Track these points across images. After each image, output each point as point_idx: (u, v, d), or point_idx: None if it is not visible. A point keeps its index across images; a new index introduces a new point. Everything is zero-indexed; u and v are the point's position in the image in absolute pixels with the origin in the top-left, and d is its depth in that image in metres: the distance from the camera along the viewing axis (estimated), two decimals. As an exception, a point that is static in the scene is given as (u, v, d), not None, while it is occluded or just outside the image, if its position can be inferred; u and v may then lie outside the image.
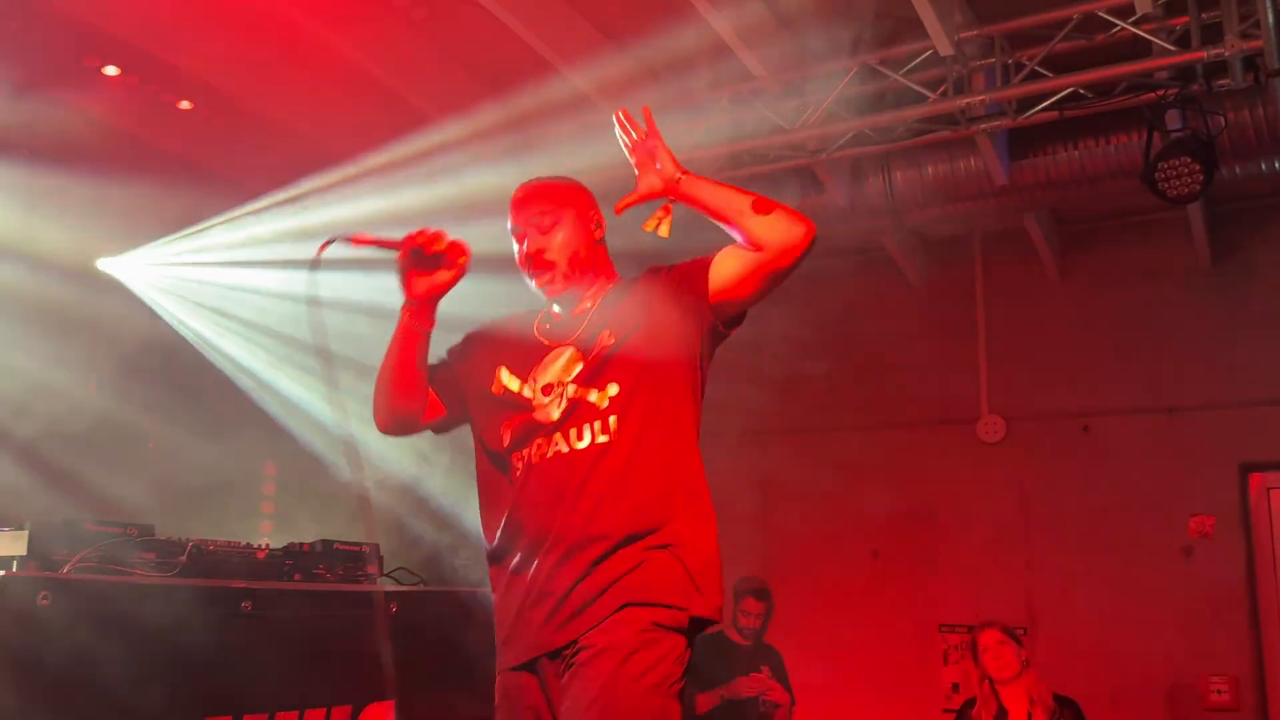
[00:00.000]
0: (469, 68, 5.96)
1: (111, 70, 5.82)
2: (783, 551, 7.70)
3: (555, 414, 2.41)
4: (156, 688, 2.54)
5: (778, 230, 2.35)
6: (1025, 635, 5.41)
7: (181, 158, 6.51)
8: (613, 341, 2.44)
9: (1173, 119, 5.16)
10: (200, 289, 6.82)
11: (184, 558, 2.79)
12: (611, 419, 2.37)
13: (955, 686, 7.09)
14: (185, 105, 6.17)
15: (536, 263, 2.52)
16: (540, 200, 2.56)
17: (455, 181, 5.86)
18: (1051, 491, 7.21)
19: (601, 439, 2.37)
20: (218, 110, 6.24)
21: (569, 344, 2.50)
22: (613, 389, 2.40)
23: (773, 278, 2.39)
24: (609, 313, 2.51)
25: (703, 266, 2.44)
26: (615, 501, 2.32)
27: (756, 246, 2.36)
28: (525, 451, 2.43)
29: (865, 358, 7.78)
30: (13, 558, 2.65)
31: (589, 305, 2.55)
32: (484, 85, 5.96)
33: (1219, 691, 6.49)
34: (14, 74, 5.37)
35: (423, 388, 2.52)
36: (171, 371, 6.87)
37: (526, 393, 2.47)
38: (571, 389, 2.42)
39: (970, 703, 5.05)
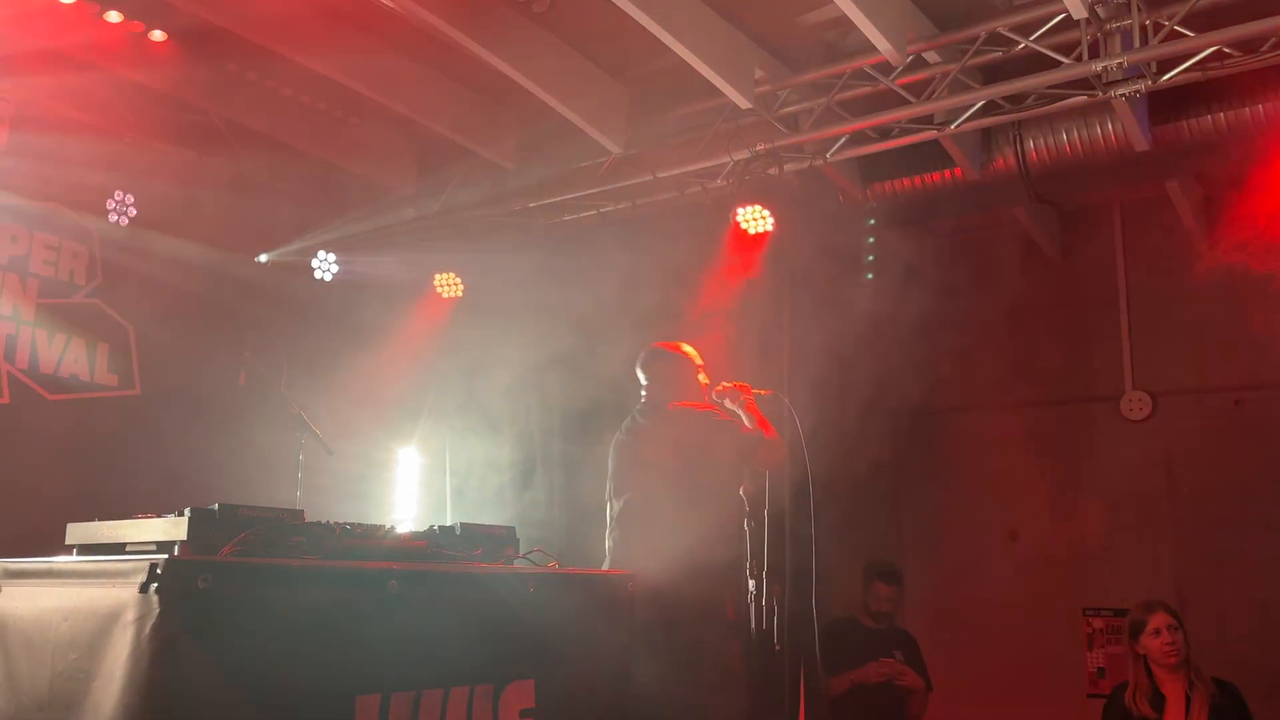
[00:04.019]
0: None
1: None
2: (917, 533, 7.57)
3: None
4: (308, 667, 2.63)
5: None
6: (1176, 619, 5.20)
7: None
8: None
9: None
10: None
11: (333, 540, 2.89)
12: None
13: (1101, 671, 6.87)
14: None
15: None
16: None
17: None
18: (1201, 469, 6.91)
19: None
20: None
21: None
22: None
23: None
24: None
25: None
26: None
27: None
28: None
29: (1001, 334, 7.57)
30: (174, 542, 2.78)
31: None
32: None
33: (1388, 678, 6.13)
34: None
35: None
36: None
37: None
38: None
39: (1122, 687, 4.85)
